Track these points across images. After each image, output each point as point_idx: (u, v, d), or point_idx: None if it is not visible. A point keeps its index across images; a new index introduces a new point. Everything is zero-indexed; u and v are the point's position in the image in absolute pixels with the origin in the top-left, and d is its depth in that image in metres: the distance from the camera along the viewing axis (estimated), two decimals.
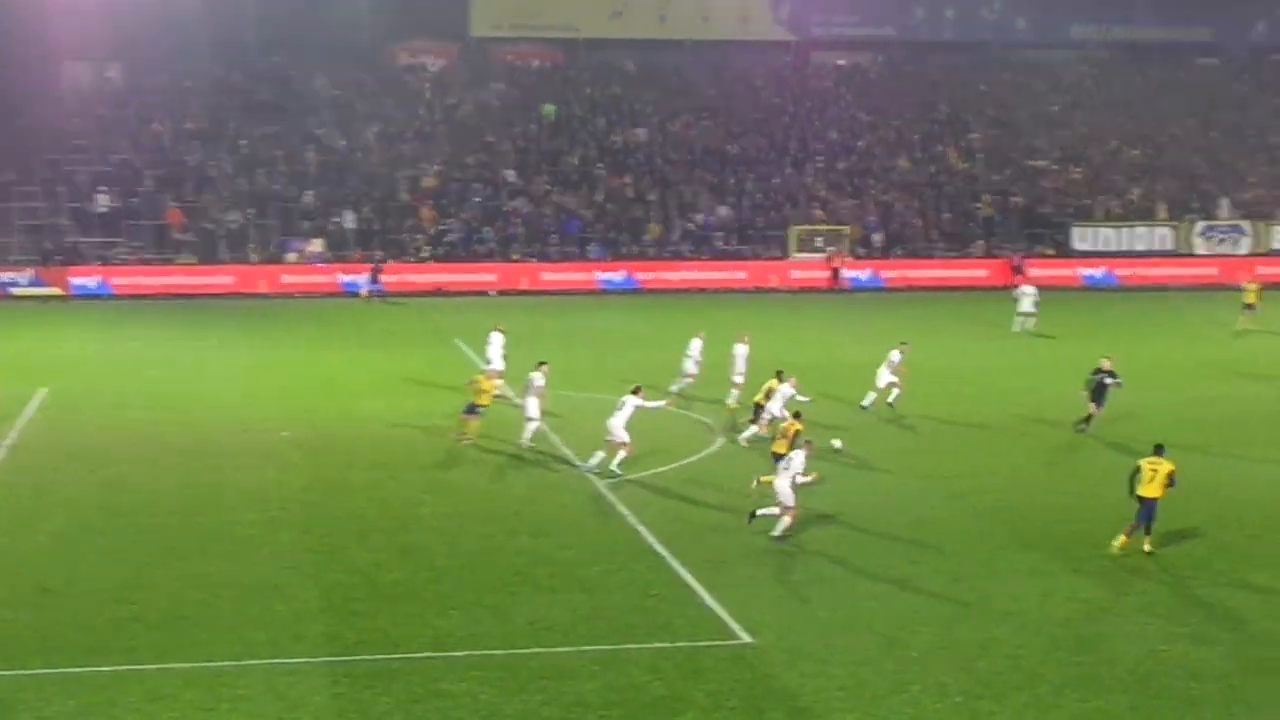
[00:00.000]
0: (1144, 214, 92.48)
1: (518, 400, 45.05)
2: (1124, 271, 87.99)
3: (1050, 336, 65.77)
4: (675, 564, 31.92)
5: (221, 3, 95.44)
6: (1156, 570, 31.89)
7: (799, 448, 34.91)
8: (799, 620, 28.58)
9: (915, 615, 28.86)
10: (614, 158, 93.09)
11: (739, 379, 47.28)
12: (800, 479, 34.13)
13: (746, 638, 27.61)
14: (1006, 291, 76.40)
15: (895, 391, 48.34)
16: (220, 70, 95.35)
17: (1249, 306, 68.30)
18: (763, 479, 35.37)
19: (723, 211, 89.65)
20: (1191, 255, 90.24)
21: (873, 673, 25.99)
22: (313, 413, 48.12)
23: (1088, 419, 45.21)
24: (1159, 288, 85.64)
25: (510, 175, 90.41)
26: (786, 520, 33.83)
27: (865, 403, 48.19)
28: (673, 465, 41.07)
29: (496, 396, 45.65)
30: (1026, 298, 67.97)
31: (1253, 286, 70.12)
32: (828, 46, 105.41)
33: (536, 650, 26.96)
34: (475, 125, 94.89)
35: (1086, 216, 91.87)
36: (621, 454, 39.64)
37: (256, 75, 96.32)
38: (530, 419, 42.71)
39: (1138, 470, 32.93)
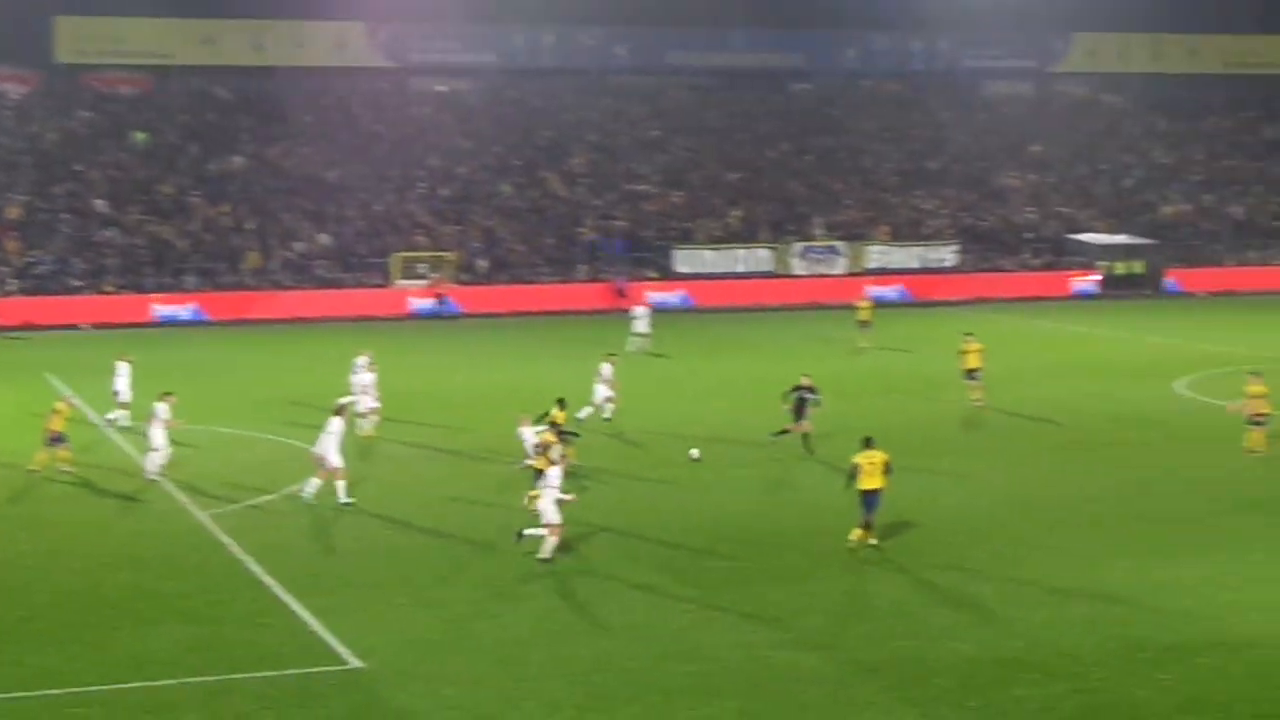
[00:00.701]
0: (744, 236, 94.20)
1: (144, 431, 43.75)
2: (731, 295, 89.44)
3: (664, 355, 66.57)
4: (281, 592, 31.11)
5: None
6: (765, 579, 32.19)
7: (556, 463, 34.61)
8: (410, 643, 28.08)
9: (528, 632, 28.59)
10: (210, 186, 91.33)
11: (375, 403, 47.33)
12: (559, 496, 33.76)
13: (357, 662, 27.00)
14: (615, 314, 77.28)
15: (610, 407, 48.67)
16: None
17: (864, 323, 69.79)
18: (532, 494, 34.77)
19: (323, 239, 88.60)
20: (790, 276, 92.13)
21: (486, 692, 25.61)
22: None
23: (784, 431, 45.22)
24: (760, 308, 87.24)
25: (101, 205, 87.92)
26: (553, 540, 33.42)
27: (581, 415, 47.77)
28: (277, 494, 40.23)
29: (123, 427, 44.59)
30: (640, 319, 68.74)
31: (865, 304, 71.81)
32: (427, 73, 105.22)
33: (138, 684, 25.93)
34: (62, 154, 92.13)
35: (688, 239, 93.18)
36: (340, 482, 38.77)
37: None
38: (155, 449, 41.72)
39: (856, 467, 33.85)
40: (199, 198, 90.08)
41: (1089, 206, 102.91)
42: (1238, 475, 42.57)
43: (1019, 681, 26.17)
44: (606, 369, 49.46)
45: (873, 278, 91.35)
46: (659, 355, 66.75)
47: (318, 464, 39.06)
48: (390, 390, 50.00)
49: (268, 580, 32.02)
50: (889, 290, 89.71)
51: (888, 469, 33.90)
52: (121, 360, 50.18)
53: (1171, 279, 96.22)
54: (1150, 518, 37.58)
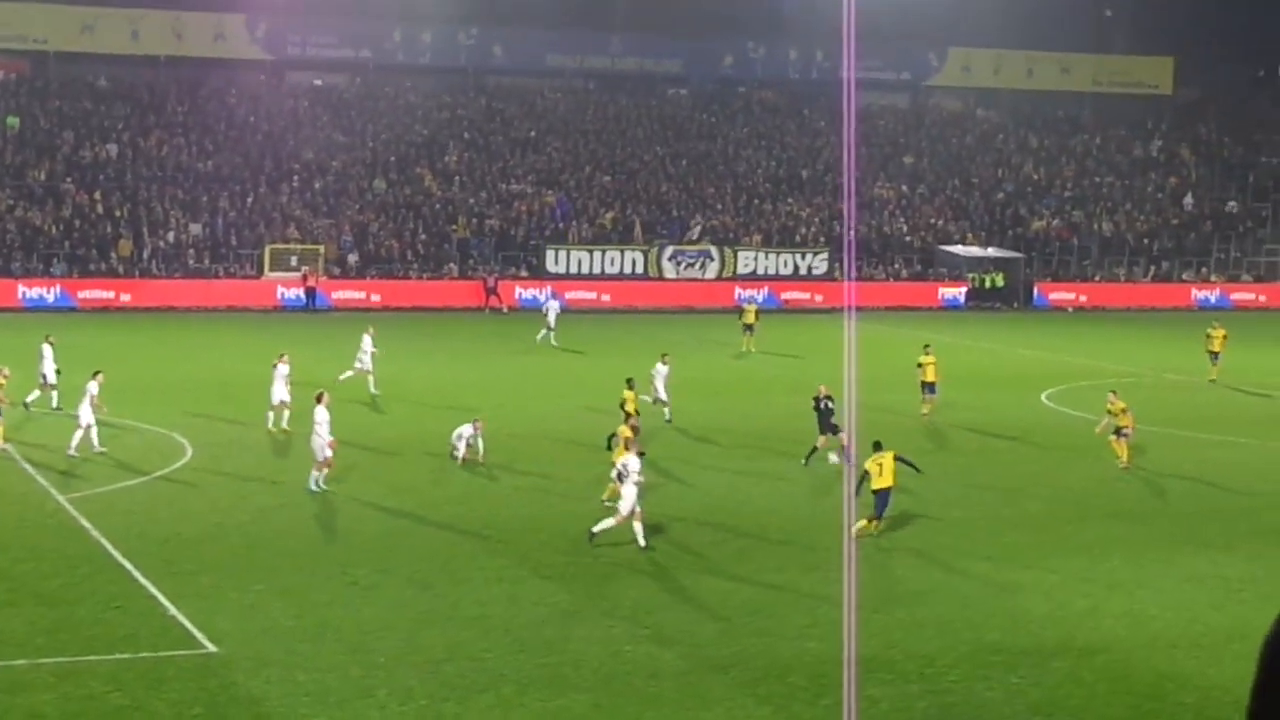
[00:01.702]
0: (617, 238, 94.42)
1: (73, 412, 44.04)
2: (605, 296, 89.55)
3: (580, 352, 66.83)
4: (139, 576, 30.87)
5: None
6: (625, 575, 32.30)
7: (631, 451, 34.94)
8: (264, 629, 27.96)
9: (382, 622, 28.53)
10: (83, 173, 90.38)
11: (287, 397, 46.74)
12: (637, 479, 34.15)
13: (211, 647, 26.86)
14: (480, 313, 77.32)
15: (666, 410, 49.06)
16: None
17: (749, 327, 70.13)
18: (611, 489, 35.24)
19: (195, 229, 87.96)
20: (661, 279, 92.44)
21: (338, 679, 25.54)
22: None
23: (813, 450, 44.08)
24: (633, 310, 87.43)
25: None
26: (611, 522, 33.99)
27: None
28: (140, 479, 40.01)
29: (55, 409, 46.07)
30: (552, 312, 69.34)
31: (751, 308, 72.24)
32: (304, 67, 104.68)
33: None
34: None
35: (561, 240, 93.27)
36: (316, 472, 38.86)
37: None
38: (82, 425, 42.25)
39: (865, 473, 35.44)
40: (71, 185, 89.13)
41: (960, 219, 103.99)
42: (1100, 484, 43.11)
43: (872, 681, 26.34)
44: (662, 369, 50.01)
45: (743, 283, 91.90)
46: (527, 354, 66.84)
47: (314, 456, 39.12)
48: (257, 379, 49.75)
49: (126, 564, 31.78)
50: (758, 295, 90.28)
51: (899, 461, 35.97)
52: (46, 343, 49.85)
53: (1039, 292, 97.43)
54: (1012, 524, 38.03)
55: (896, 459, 36.01)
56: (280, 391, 46.48)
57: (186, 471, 41.43)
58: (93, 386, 42.96)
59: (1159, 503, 41.50)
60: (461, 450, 42.54)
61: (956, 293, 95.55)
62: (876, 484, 35.49)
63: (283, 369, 46.99)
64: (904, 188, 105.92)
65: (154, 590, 30.00)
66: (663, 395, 49.75)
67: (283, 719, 23.98)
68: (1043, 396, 58.74)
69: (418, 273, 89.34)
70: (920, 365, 53.22)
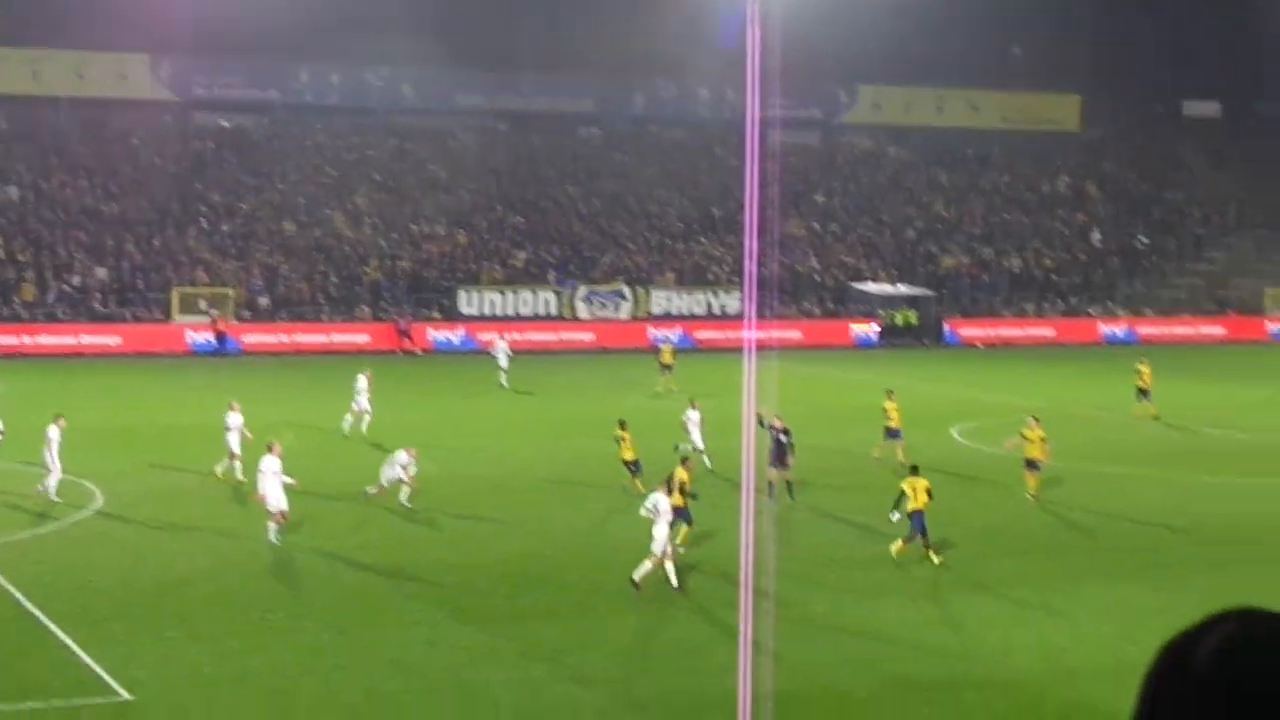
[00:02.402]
0: (529, 279, 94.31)
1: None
2: (515, 336, 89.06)
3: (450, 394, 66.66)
4: (50, 624, 30.52)
5: None
6: (544, 617, 32.15)
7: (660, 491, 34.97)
8: (181, 676, 27.68)
9: (300, 667, 28.31)
10: None
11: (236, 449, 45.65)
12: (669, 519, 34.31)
13: (126, 694, 26.55)
14: (394, 356, 77.19)
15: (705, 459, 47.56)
16: None
17: (666, 367, 70.04)
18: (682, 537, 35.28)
19: (100, 273, 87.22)
20: (575, 319, 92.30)
21: None
22: None
23: (772, 485, 43.92)
24: (545, 352, 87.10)
25: None
26: (649, 565, 33.70)
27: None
28: (50, 526, 39.58)
29: None
30: (501, 353, 68.83)
31: (668, 348, 72.25)
32: (211, 107, 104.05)
33: None
34: None
35: (473, 281, 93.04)
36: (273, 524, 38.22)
37: None
38: (49, 471, 42.21)
39: (902, 494, 37.35)
40: None
41: (872, 257, 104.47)
42: (1011, 519, 43.37)
43: (790, 716, 26.37)
44: (694, 415, 49.40)
45: (657, 322, 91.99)
46: (441, 395, 66.61)
47: (262, 505, 38.47)
48: (167, 426, 49.36)
49: (36, 612, 31.41)
50: (672, 335, 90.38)
51: (929, 494, 37.29)
52: None
53: (950, 329, 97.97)
54: (924, 559, 38.08)
55: (928, 493, 37.42)
56: (233, 442, 45.47)
57: (97, 519, 41.04)
58: (53, 431, 42.57)
59: (1069, 536, 41.75)
60: (399, 475, 42.03)
61: (869, 330, 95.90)
62: (913, 505, 37.04)
63: (235, 419, 45.87)
64: (816, 225, 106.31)
65: (65, 638, 29.65)
66: (699, 443, 48.53)
67: None
68: (953, 432, 58.97)
69: (329, 316, 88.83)
70: (884, 410, 52.58)
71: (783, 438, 44.18)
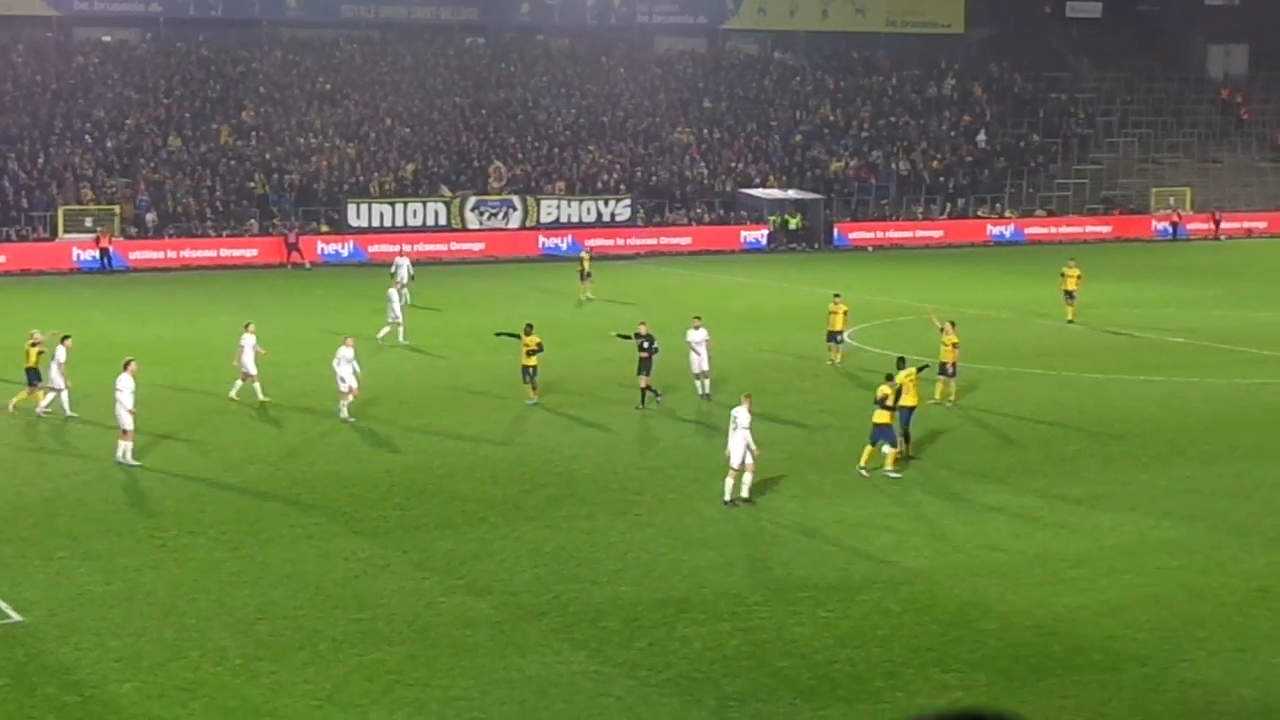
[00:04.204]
0: (418, 190, 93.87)
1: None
2: (407, 247, 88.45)
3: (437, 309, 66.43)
4: None
5: None
6: (436, 527, 32.26)
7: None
8: (72, 596, 27.65)
9: (193, 584, 28.32)
10: None
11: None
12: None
13: (16, 616, 26.53)
14: (283, 269, 76.82)
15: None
16: None
17: (585, 275, 69.96)
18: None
19: None
20: (465, 229, 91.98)
21: (150, 643, 25.34)
22: None
23: (644, 392, 44.67)
24: (436, 262, 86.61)
25: None
26: (748, 478, 34.36)
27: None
28: None
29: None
30: (402, 268, 66.99)
31: (586, 255, 72.12)
32: (92, 22, 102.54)
33: None
34: None
35: (362, 193, 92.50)
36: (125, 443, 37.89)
37: None
38: (58, 390, 42.63)
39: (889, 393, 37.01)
40: None
41: (760, 161, 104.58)
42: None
43: (684, 621, 26.69)
44: (702, 334, 47.38)
45: (547, 231, 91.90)
46: (334, 310, 66.27)
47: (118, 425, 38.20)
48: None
49: None
50: (561, 243, 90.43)
51: (899, 394, 37.46)
52: None
53: (839, 232, 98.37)
54: (816, 463, 38.45)
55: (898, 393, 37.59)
56: (248, 363, 44.96)
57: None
58: (60, 352, 42.83)
59: (958, 435, 42.16)
60: (349, 376, 42.27)
61: (758, 235, 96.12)
62: (904, 401, 37.86)
63: (249, 339, 45.32)
64: (704, 131, 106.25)
65: None
66: (705, 365, 47.06)
67: (94, 686, 23.77)
68: (846, 335, 59.27)
69: (217, 230, 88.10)
70: (830, 314, 52.75)
71: (646, 344, 44.78)
